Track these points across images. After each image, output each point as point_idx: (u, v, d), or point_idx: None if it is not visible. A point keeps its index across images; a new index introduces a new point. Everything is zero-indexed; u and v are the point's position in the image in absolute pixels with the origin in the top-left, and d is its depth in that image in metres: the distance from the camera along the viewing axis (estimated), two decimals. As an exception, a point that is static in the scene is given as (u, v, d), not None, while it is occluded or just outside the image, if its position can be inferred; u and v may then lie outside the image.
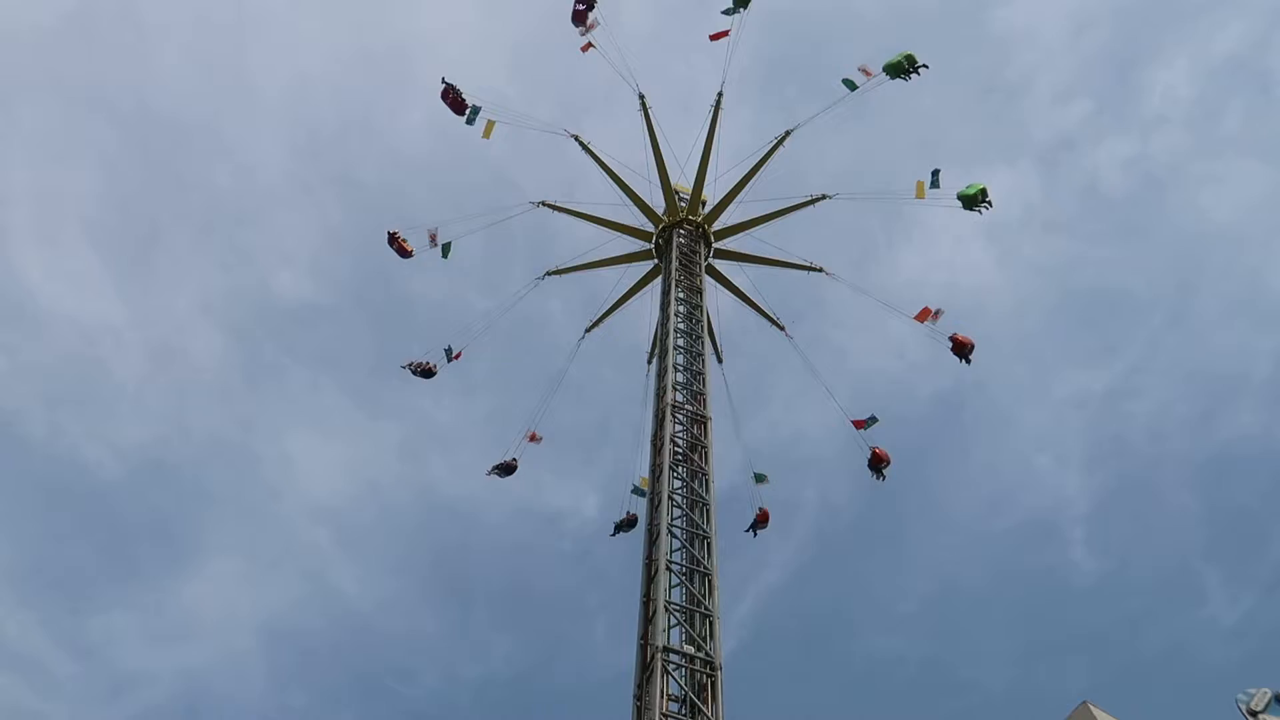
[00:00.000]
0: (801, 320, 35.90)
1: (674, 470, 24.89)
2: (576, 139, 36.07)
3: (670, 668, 19.79)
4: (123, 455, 67.26)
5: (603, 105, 35.80)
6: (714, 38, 34.76)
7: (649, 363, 35.41)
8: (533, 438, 36.11)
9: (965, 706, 65.31)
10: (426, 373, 36.32)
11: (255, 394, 72.20)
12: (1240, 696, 17.58)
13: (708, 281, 34.98)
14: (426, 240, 35.77)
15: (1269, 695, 17.23)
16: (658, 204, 35.76)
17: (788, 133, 35.25)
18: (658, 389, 28.36)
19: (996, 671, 68.54)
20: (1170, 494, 69.17)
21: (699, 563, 22.67)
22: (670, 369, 28.43)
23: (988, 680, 67.74)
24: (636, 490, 34.22)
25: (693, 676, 20.04)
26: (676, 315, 30.68)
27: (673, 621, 20.99)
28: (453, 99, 35.20)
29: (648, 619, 21.22)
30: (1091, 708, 20.11)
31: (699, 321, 31.12)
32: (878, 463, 32.41)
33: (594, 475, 65.94)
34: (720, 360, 35.02)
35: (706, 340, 30.83)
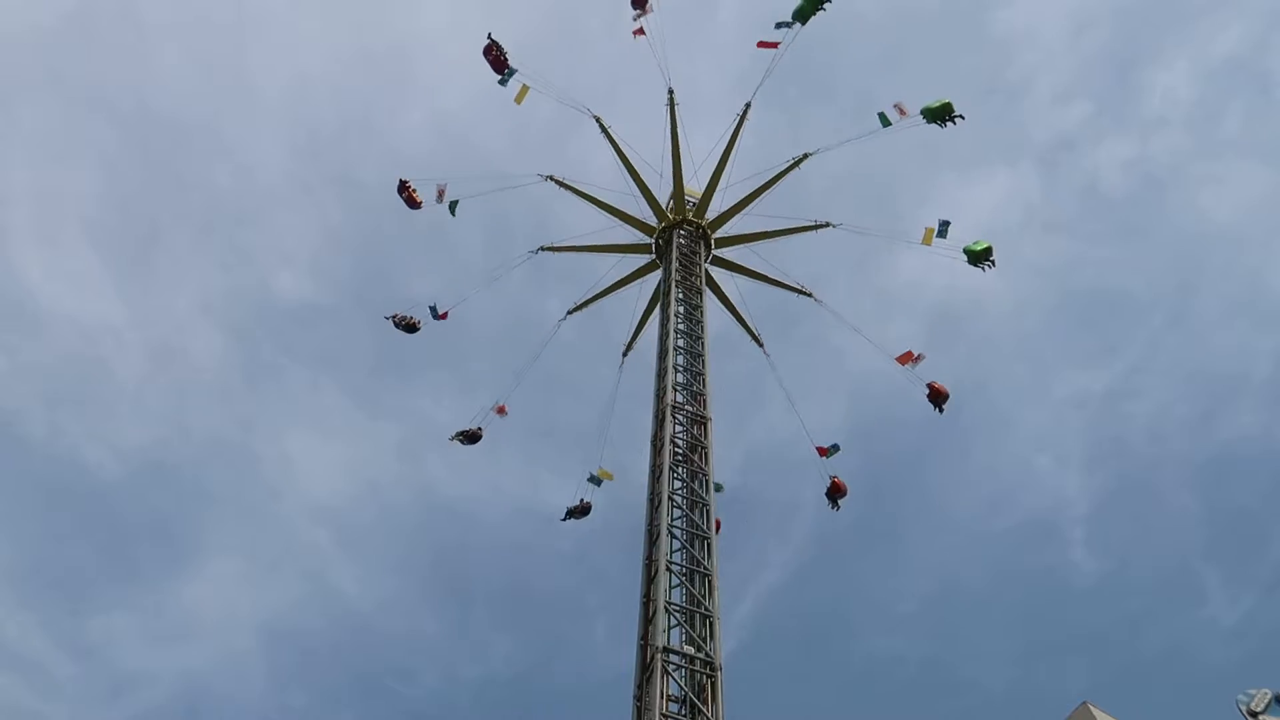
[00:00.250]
0: (801, 320, 36.01)
1: (674, 471, 24.86)
2: (598, 120, 35.98)
3: (670, 668, 19.76)
4: (123, 455, 67.33)
5: (604, 105, 35.68)
6: (761, 45, 34.46)
7: (624, 355, 36.19)
8: (500, 410, 36.29)
9: (965, 706, 65.37)
10: (410, 327, 36.35)
11: (255, 394, 72.29)
12: (1240, 697, 17.59)
13: (723, 274, 35.29)
14: (435, 196, 36.04)
15: (1269, 696, 17.23)
16: (655, 208, 35.76)
17: (805, 155, 35.20)
18: (657, 389, 28.34)
19: (996, 671, 68.62)
20: (1170, 494, 69.27)
21: (699, 563, 22.65)
22: (670, 369, 28.40)
23: (988, 680, 67.82)
24: (593, 479, 34.90)
25: (693, 677, 20.02)
26: (676, 315, 30.65)
27: (673, 622, 20.96)
28: (495, 56, 35.08)
29: (648, 619, 21.20)
30: (1092, 708, 20.11)
31: (699, 322, 31.11)
32: (835, 492, 32.60)
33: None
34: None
35: (710, 340, 30.87)
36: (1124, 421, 69.71)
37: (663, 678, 19.48)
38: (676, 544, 22.92)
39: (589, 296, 36.56)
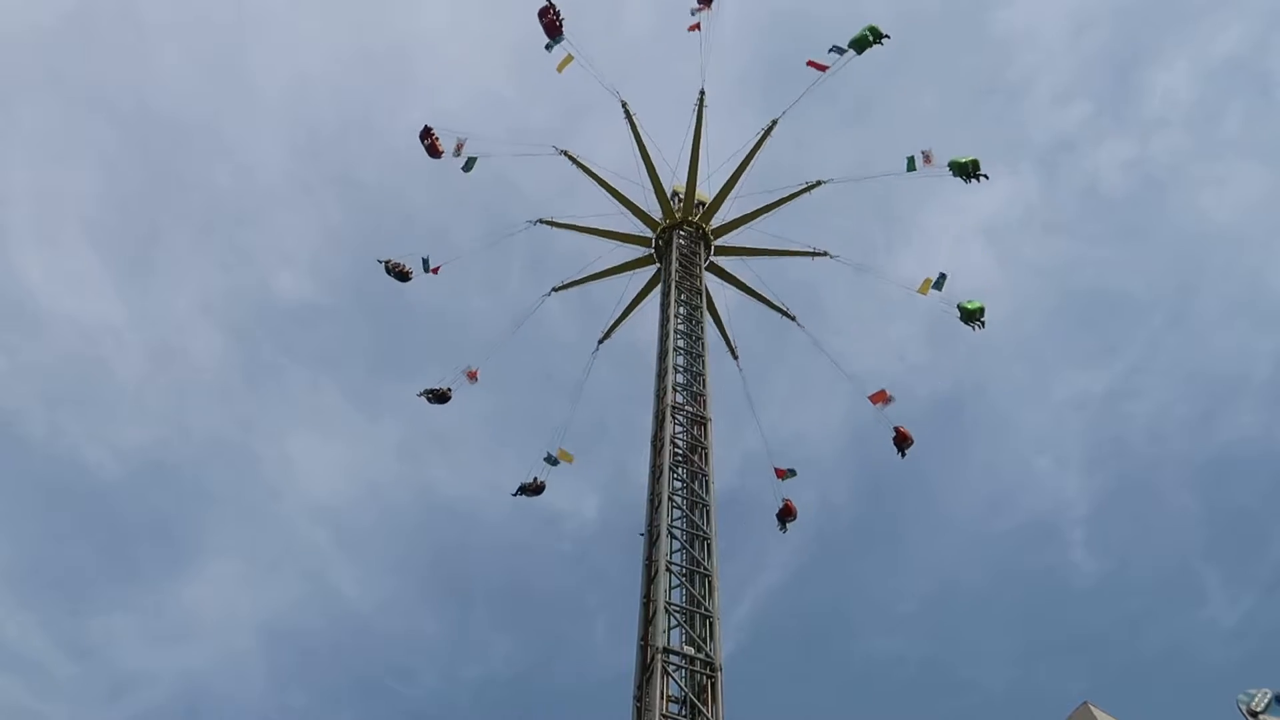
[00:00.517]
0: (801, 321, 35.82)
1: (674, 471, 24.87)
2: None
3: (670, 669, 19.79)
4: (123, 455, 67.30)
5: (605, 103, 35.72)
6: (811, 64, 34.34)
7: (599, 343, 36.08)
8: (471, 375, 36.24)
9: (965, 706, 65.35)
10: (402, 275, 36.22)
11: (255, 394, 72.25)
12: (1241, 697, 17.61)
13: (714, 282, 35.10)
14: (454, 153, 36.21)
15: (1269, 696, 17.25)
16: (654, 208, 35.77)
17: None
18: (658, 390, 28.34)
19: (996, 672, 68.59)
20: (1170, 495, 69.26)
21: (699, 564, 22.67)
22: (670, 370, 28.43)
23: (988, 680, 67.80)
24: (549, 459, 34.91)
25: (693, 677, 20.04)
26: (676, 317, 30.67)
27: (673, 623, 20.97)
28: (550, 20, 34.82)
29: (648, 620, 21.20)
30: (1092, 708, 20.13)
31: (699, 323, 31.13)
32: (785, 515, 32.60)
33: (594, 476, 66.03)
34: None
35: (710, 340, 30.88)
36: (1124, 422, 69.79)
37: (663, 678, 19.50)
38: (676, 544, 22.93)
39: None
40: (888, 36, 33.07)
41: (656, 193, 35.59)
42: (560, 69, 35.00)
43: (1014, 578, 70.24)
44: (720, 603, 21.81)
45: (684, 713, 19.24)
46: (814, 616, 71.74)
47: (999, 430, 70.88)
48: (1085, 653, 65.31)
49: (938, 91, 67.93)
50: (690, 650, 20.43)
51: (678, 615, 21.16)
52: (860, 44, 33.29)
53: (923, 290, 33.84)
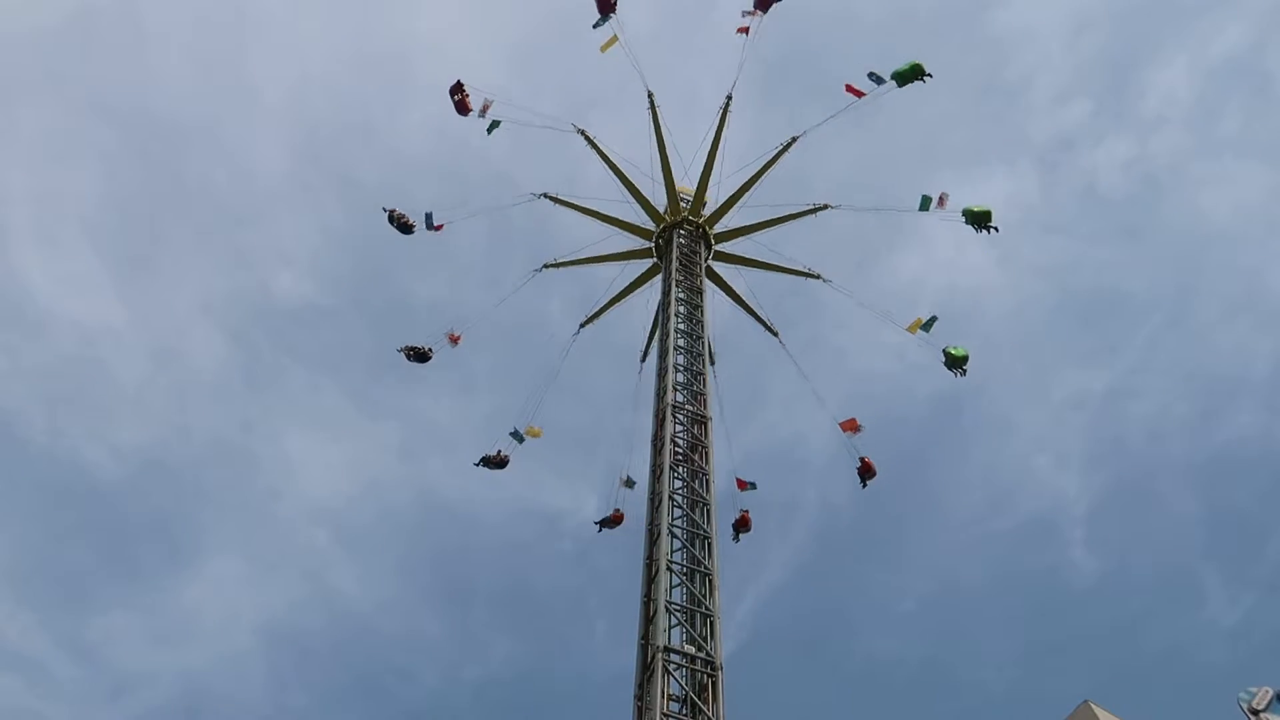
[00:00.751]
0: (801, 321, 36.12)
1: (674, 470, 24.86)
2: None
3: (671, 667, 19.77)
4: (123, 456, 67.35)
5: (603, 105, 35.91)
6: (849, 90, 34.27)
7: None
8: (453, 339, 36.21)
9: (965, 706, 65.38)
10: (405, 227, 35.94)
11: (255, 394, 72.31)
12: (1242, 695, 17.61)
13: (729, 272, 35.20)
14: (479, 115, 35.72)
15: (1270, 694, 17.25)
16: (659, 203, 35.69)
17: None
18: (658, 389, 28.34)
19: (996, 672, 68.63)
20: (1170, 495, 69.27)
21: (700, 563, 22.65)
22: (670, 369, 28.43)
23: (988, 680, 67.83)
24: (515, 434, 35.18)
25: (693, 676, 20.02)
26: (677, 315, 30.68)
27: (673, 621, 20.95)
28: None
29: (648, 619, 21.20)
30: (1093, 707, 20.15)
31: (699, 322, 31.13)
32: (741, 526, 32.35)
33: (593, 475, 65.87)
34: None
35: (708, 340, 30.85)
36: (1124, 421, 69.80)
37: (664, 677, 19.48)
38: (677, 543, 22.92)
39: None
40: (930, 75, 33.10)
41: (640, 202, 35.53)
42: (604, 49, 34.89)
43: (1014, 577, 70.34)
44: (721, 601, 21.80)
45: (685, 712, 19.23)
46: (814, 616, 71.86)
47: (999, 430, 70.98)
48: (1085, 653, 65.37)
49: (937, 91, 67.79)
50: (691, 649, 20.41)
51: (678, 614, 21.15)
52: (902, 78, 33.21)
53: (911, 329, 34.04)
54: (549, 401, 36.27)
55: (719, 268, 35.71)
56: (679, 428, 26.43)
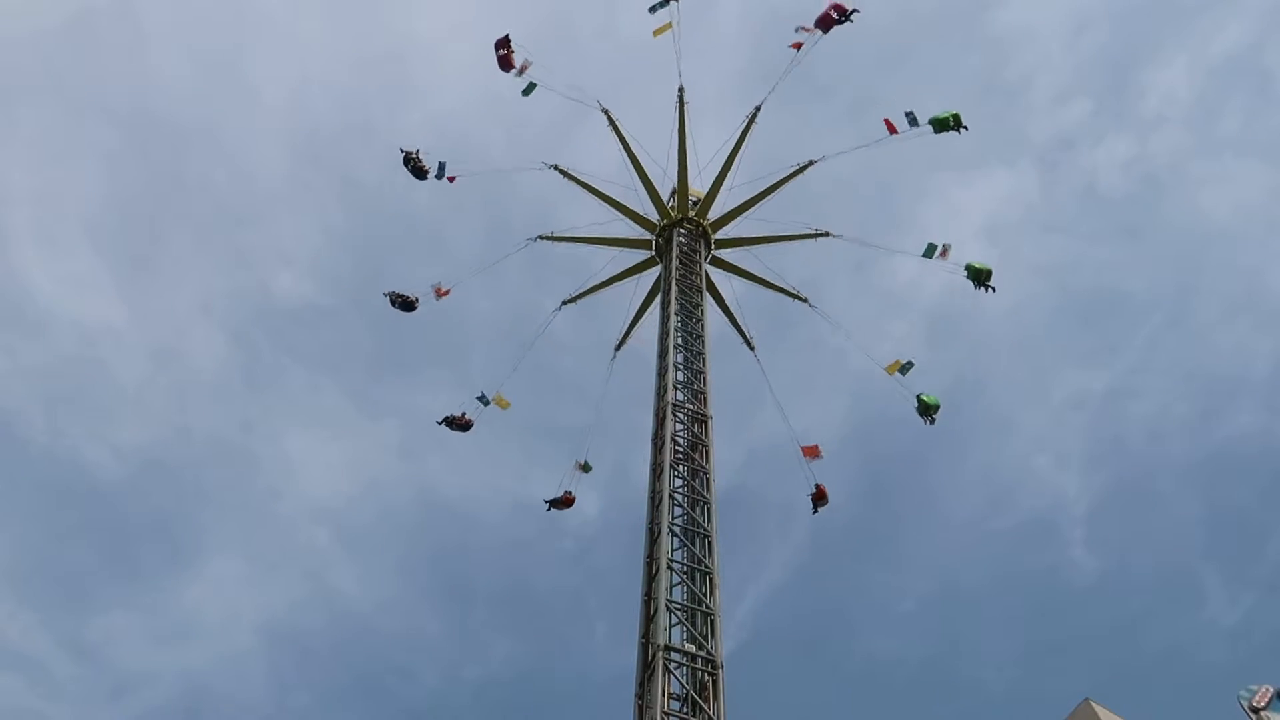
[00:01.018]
0: (801, 321, 36.10)
1: (675, 469, 24.87)
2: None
3: (672, 666, 19.76)
4: (123, 456, 67.39)
5: (607, 103, 35.62)
6: (888, 124, 34.23)
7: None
8: (440, 292, 36.72)
9: (965, 706, 65.38)
10: (419, 171, 36.15)
11: (255, 394, 72.34)
12: (1242, 694, 17.63)
13: (721, 276, 35.21)
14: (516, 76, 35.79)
15: (1271, 692, 17.27)
16: (658, 205, 35.76)
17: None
18: (658, 387, 28.36)
19: (996, 671, 68.64)
20: (1170, 494, 69.30)
21: (700, 561, 22.64)
22: (670, 368, 28.45)
23: (988, 680, 67.83)
24: (482, 398, 36.07)
25: (694, 675, 20.02)
26: (676, 314, 30.68)
27: (674, 620, 20.94)
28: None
29: (649, 618, 21.20)
30: (1094, 705, 20.15)
31: (699, 320, 31.14)
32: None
33: (594, 475, 65.75)
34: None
35: (710, 339, 30.87)
36: (1124, 421, 69.81)
37: (664, 676, 19.48)
38: (677, 542, 22.92)
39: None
40: (966, 128, 33.37)
41: (649, 194, 35.59)
42: (656, 34, 35.34)
43: (1014, 577, 70.37)
44: (721, 600, 21.81)
45: (685, 710, 19.23)
46: (815, 615, 71.89)
47: (999, 429, 70.99)
48: (1086, 652, 65.39)
49: (937, 90, 67.92)
50: (691, 648, 20.40)
51: (679, 613, 21.15)
52: (939, 125, 33.39)
53: (889, 370, 34.41)
54: (549, 401, 36.39)
55: (728, 256, 35.85)
56: (679, 426, 26.44)
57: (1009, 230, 70.20)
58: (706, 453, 25.88)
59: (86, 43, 68.31)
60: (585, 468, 34.99)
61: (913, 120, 33.68)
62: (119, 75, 69.83)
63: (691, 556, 22.74)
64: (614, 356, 36.27)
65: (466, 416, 35.83)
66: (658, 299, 35.24)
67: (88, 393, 68.09)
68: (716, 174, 35.43)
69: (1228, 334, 68.27)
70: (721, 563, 22.74)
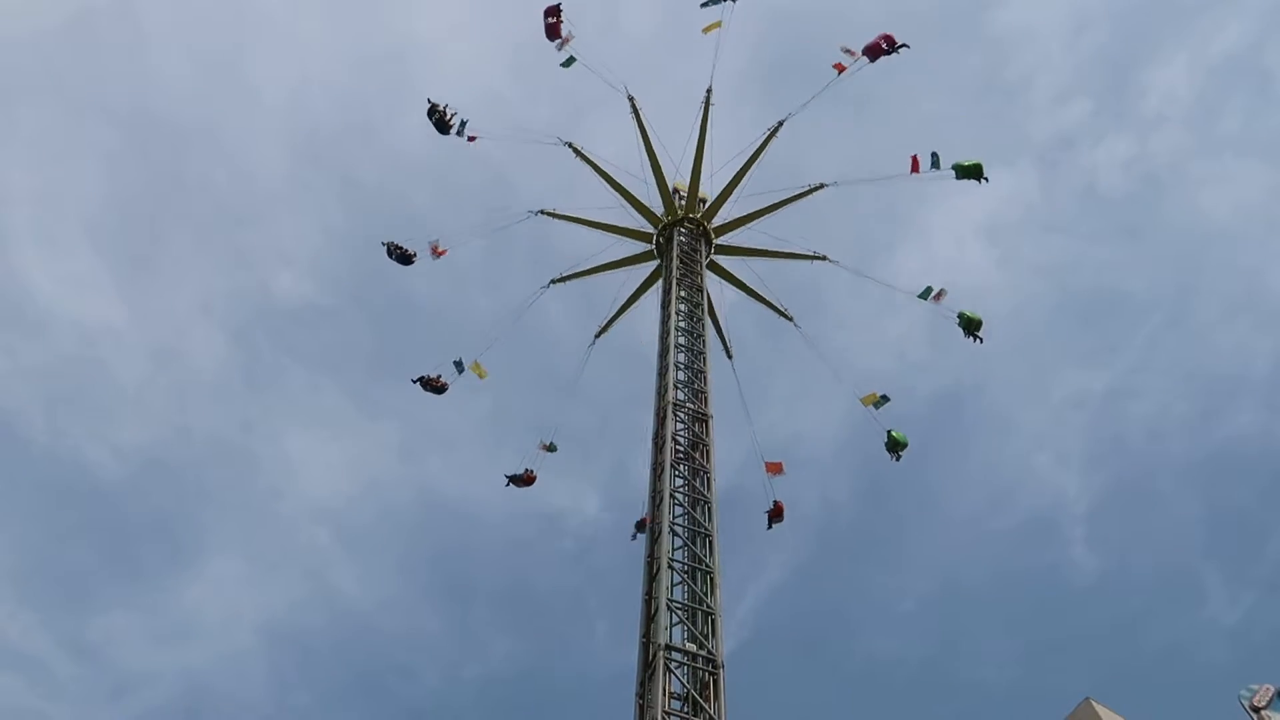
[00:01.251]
0: (801, 320, 35.95)
1: (675, 468, 24.89)
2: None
3: (672, 666, 19.78)
4: (123, 456, 67.41)
5: (605, 104, 35.78)
6: (914, 163, 34.26)
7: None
8: (436, 250, 36.61)
9: (965, 706, 65.39)
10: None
11: (255, 394, 72.35)
12: (1242, 693, 17.65)
13: (712, 280, 35.01)
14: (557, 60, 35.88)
15: (1272, 691, 17.29)
16: (658, 204, 35.68)
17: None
18: (659, 387, 28.36)
19: (997, 671, 68.66)
20: (1170, 494, 69.33)
21: (701, 561, 22.65)
22: (671, 367, 28.46)
23: (988, 679, 67.84)
24: (458, 364, 36.22)
25: (695, 674, 20.04)
26: (678, 314, 30.69)
27: (675, 619, 20.95)
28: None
29: (649, 617, 21.21)
30: (1094, 704, 20.16)
31: (700, 320, 31.14)
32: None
33: (595, 475, 66.10)
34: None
35: (710, 338, 30.86)
36: (1124, 421, 69.84)
37: (665, 675, 19.49)
38: (678, 541, 22.92)
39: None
40: (987, 179, 33.44)
41: (659, 188, 35.45)
42: (707, 31, 34.88)
43: (1014, 576, 70.41)
44: (722, 600, 21.83)
45: (686, 709, 19.25)
46: (815, 615, 71.92)
47: (999, 429, 71.05)
48: (1086, 651, 65.40)
49: (937, 91, 68.01)
50: (692, 647, 20.42)
51: (679, 612, 21.16)
52: (961, 172, 33.38)
53: (865, 401, 34.40)
54: (549, 402, 36.43)
55: (724, 261, 35.76)
56: (680, 425, 26.45)
57: (1009, 230, 70.35)
58: (707, 452, 25.89)
59: (86, 43, 68.38)
60: (550, 448, 35.21)
61: (935, 162, 33.63)
62: (119, 75, 69.87)
63: (692, 556, 22.75)
64: (593, 342, 36.34)
65: (442, 379, 35.99)
66: (650, 294, 35.33)
67: (88, 393, 68.18)
68: (728, 180, 35.35)
69: (1228, 334, 68.36)
70: (722, 562, 22.78)
